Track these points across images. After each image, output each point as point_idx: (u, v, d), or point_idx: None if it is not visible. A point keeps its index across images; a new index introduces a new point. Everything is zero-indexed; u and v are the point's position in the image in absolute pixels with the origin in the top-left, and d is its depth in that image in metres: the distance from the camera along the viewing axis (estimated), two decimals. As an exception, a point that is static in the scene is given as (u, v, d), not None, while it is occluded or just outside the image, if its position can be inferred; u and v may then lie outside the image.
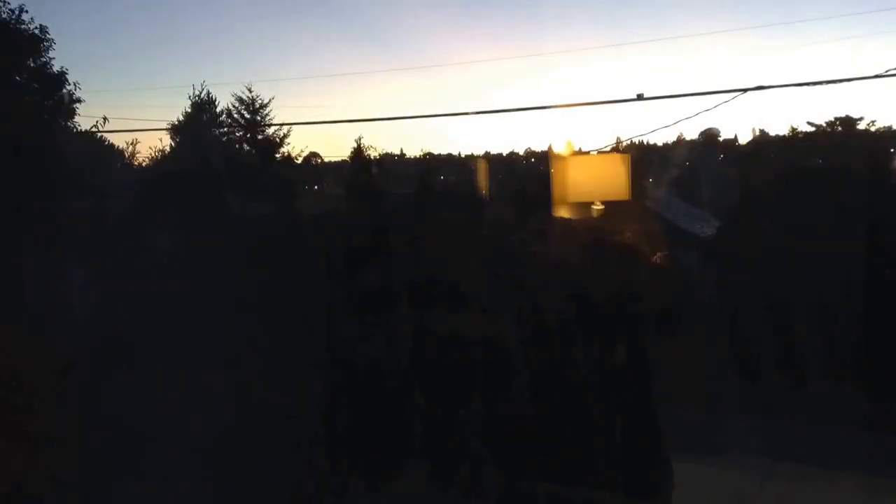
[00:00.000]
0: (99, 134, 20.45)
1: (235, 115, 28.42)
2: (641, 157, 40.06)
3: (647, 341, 11.19)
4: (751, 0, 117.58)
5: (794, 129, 38.45)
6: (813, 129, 36.86)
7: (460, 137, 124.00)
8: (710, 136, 60.85)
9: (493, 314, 10.87)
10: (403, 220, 12.36)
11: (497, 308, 10.91)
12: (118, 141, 34.39)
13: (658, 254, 22.20)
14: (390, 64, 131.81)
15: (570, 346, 10.56)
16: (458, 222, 13.34)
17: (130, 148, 30.22)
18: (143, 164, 27.77)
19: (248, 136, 28.23)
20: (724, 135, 64.99)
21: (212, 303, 12.82)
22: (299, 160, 29.03)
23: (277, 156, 28.32)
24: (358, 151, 12.63)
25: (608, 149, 34.76)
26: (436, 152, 68.41)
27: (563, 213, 27.18)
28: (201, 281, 13.15)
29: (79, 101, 17.77)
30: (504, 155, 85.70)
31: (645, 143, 73.06)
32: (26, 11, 16.06)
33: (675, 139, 71.91)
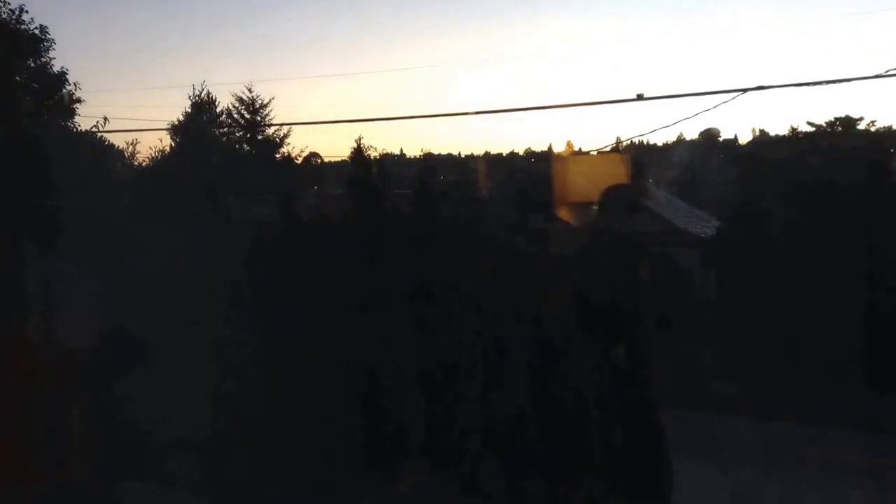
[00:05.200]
0: (99, 134, 20.45)
1: (235, 115, 28.45)
2: (641, 157, 40.11)
3: (647, 341, 11.18)
4: (751, 0, 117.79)
5: (794, 129, 38.43)
6: (813, 129, 36.86)
7: (460, 137, 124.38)
8: (710, 136, 60.98)
9: (492, 314, 10.86)
10: (403, 221, 12.34)
11: (497, 308, 10.90)
12: (118, 141, 34.42)
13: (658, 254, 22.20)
14: (390, 64, 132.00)
15: (571, 345, 10.55)
16: (459, 222, 13.32)
17: (130, 148, 30.24)
18: (143, 164, 27.76)
19: (248, 136, 28.23)
20: (724, 135, 65.17)
21: (211, 303, 12.82)
22: (299, 160, 29.06)
23: (277, 156, 28.34)
24: (358, 151, 12.60)
25: (608, 149, 34.82)
26: (436, 152, 68.51)
27: (563, 212, 27.22)
28: (201, 282, 13.15)
29: (79, 101, 17.81)
30: (504, 155, 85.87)
31: (645, 143, 73.27)
32: (26, 11, 16.08)
33: (675, 139, 72.12)
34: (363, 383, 10.53)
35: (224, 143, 27.09)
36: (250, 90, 28.48)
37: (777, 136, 52.03)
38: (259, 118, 28.60)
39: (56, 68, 16.93)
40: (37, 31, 16.28)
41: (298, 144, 48.85)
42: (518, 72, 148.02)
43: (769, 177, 24.26)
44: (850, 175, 20.49)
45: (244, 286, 11.87)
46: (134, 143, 29.84)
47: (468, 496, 10.02)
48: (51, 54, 16.69)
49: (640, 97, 9.89)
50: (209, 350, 11.66)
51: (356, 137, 12.57)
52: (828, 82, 8.38)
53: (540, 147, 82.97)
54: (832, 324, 17.13)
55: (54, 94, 17.16)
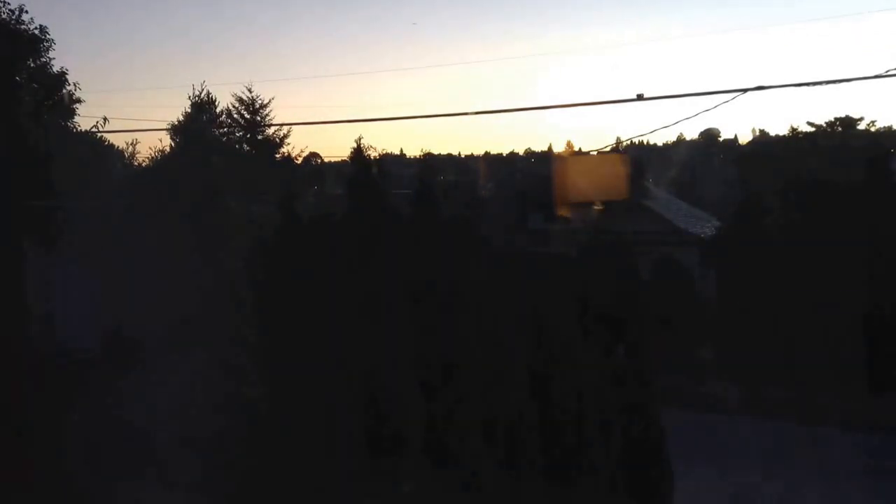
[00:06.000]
0: (99, 134, 20.41)
1: (235, 115, 28.36)
2: (641, 157, 40.14)
3: (647, 341, 11.18)
4: (751, 0, 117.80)
5: (794, 129, 38.36)
6: (813, 129, 36.80)
7: (460, 137, 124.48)
8: (710, 136, 61.02)
9: (492, 314, 10.86)
10: (404, 221, 12.34)
11: (497, 308, 10.90)
12: (118, 141, 34.33)
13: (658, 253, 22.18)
14: (391, 64, 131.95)
15: (571, 346, 10.55)
16: (459, 222, 13.32)
17: (130, 148, 30.15)
18: (143, 164, 27.72)
19: (248, 136, 28.17)
20: (724, 135, 65.21)
21: (212, 304, 12.81)
22: (299, 160, 29.00)
23: (277, 156, 28.29)
24: (358, 151, 12.60)
25: (608, 149, 34.85)
26: (436, 152, 68.58)
27: (563, 212, 27.25)
28: (200, 282, 13.14)
29: (79, 101, 17.73)
30: (504, 155, 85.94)
31: (645, 143, 73.33)
32: (26, 11, 16.05)
33: (675, 139, 72.18)
34: (364, 383, 10.52)
35: (224, 143, 27.03)
36: (250, 90, 28.40)
37: (777, 136, 51.97)
38: (259, 118, 28.52)
39: (56, 68, 16.85)
40: (37, 32, 16.23)
41: (298, 144, 48.90)
42: (518, 72, 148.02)
43: (769, 177, 24.24)
44: (850, 175, 20.47)
45: (244, 286, 11.86)
46: (134, 143, 29.76)
47: (468, 496, 10.02)
48: (51, 54, 16.63)
49: (640, 97, 9.86)
50: (209, 350, 11.66)
51: (356, 137, 12.57)
52: (828, 82, 8.35)
53: (540, 147, 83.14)
54: (833, 324, 17.13)
55: (54, 94, 17.11)
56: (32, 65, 16.49)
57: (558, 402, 10.25)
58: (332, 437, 10.45)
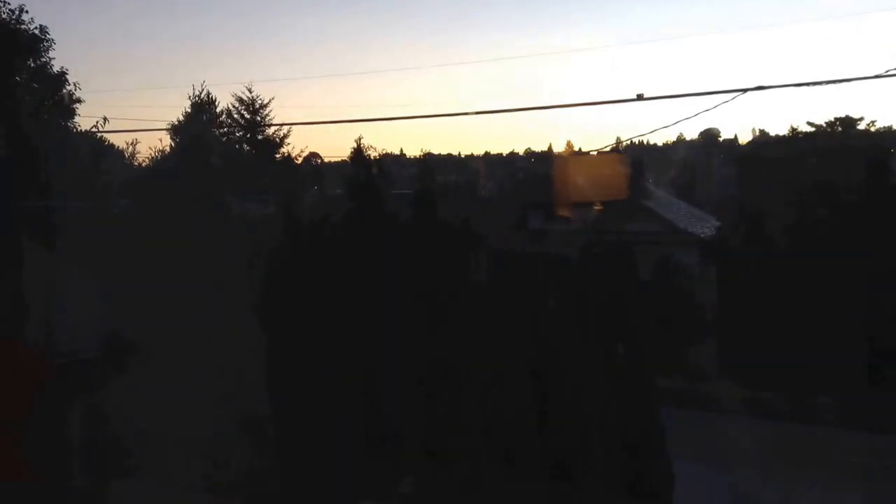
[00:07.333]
0: (99, 134, 20.45)
1: (235, 115, 28.42)
2: (641, 157, 40.15)
3: (647, 341, 11.18)
4: (750, 0, 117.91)
5: (794, 129, 38.41)
6: (813, 129, 36.84)
7: (460, 137, 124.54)
8: (710, 136, 61.02)
9: (492, 314, 10.86)
10: (404, 221, 12.35)
11: (497, 308, 10.91)
12: (118, 141, 34.45)
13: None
14: (391, 64, 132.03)
15: (570, 345, 10.55)
16: (459, 223, 13.33)
17: (130, 148, 30.26)
18: (143, 164, 27.79)
19: (248, 136, 28.22)
20: (724, 135, 65.17)
21: (212, 305, 12.80)
22: (299, 160, 29.05)
23: (277, 156, 28.33)
24: (358, 151, 12.69)
25: (608, 149, 34.89)
26: (436, 152, 68.63)
27: (563, 212, 27.25)
28: (201, 283, 13.13)
29: (79, 101, 17.79)
30: (504, 155, 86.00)
31: (645, 143, 73.35)
32: (26, 11, 16.09)
33: (675, 139, 72.21)
34: (364, 383, 10.53)
35: (224, 143, 27.08)
36: (250, 90, 28.49)
37: (777, 136, 51.97)
38: (259, 118, 28.60)
39: (56, 68, 16.94)
40: (37, 31, 16.29)
41: (298, 144, 49.05)
42: (518, 72, 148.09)
43: (769, 177, 24.24)
44: (849, 175, 20.47)
45: (245, 287, 11.87)
46: (134, 143, 29.90)
47: (468, 496, 10.02)
48: (51, 54, 16.71)
49: (640, 97, 9.90)
50: (209, 351, 11.66)
51: (356, 137, 12.61)
52: (828, 82, 8.40)
53: (540, 147, 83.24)
54: (834, 324, 17.11)
55: (54, 94, 17.16)
56: (32, 65, 16.54)
57: (558, 401, 10.25)
58: (332, 437, 10.45)
